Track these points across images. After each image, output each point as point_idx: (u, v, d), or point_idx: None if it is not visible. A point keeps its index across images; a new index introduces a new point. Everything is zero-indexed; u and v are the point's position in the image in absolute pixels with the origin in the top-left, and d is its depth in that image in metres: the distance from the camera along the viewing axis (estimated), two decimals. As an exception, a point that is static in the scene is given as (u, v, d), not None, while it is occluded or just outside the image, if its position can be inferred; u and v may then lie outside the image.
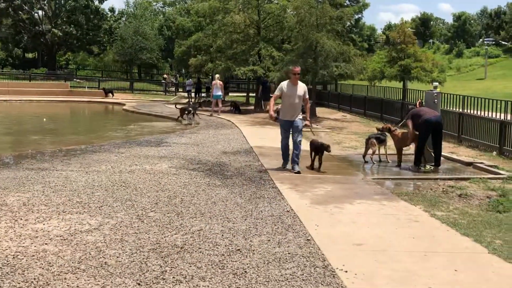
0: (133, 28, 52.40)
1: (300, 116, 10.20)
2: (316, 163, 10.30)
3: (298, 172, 9.69)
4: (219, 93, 24.52)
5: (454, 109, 17.11)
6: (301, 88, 10.14)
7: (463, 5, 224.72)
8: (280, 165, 10.50)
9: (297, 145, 10.01)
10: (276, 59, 25.91)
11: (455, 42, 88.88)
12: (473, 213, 7.20)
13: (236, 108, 25.47)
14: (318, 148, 10.23)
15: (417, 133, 10.71)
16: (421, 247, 5.65)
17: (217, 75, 25.62)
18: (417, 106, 12.07)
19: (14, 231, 5.80)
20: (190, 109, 20.78)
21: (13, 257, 4.99)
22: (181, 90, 45.13)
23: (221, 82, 25.03)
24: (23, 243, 5.41)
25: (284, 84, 10.20)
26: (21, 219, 6.27)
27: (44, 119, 23.10)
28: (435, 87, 11.85)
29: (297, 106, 10.11)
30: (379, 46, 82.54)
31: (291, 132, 10.22)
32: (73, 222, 6.21)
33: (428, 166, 10.74)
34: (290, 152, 10.23)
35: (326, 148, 10.14)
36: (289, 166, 10.15)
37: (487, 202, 7.90)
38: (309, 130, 11.10)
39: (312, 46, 22.57)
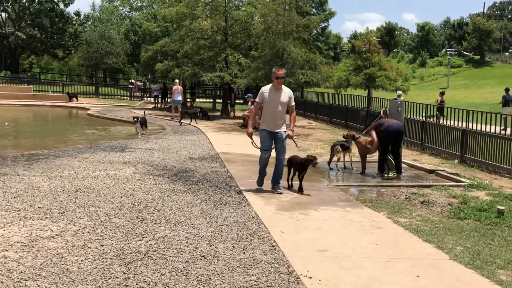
0: (98, 32, 51.76)
1: (284, 127, 8.82)
2: (292, 181, 9.02)
3: (281, 194, 8.54)
4: (179, 98, 25.01)
5: (418, 117, 17.40)
6: (286, 93, 8.73)
7: (426, 15, 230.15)
8: (247, 172, 10.49)
9: (280, 162, 8.74)
10: (243, 65, 25.98)
11: (419, 51, 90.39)
12: (435, 220, 7.32)
13: (203, 114, 25.37)
14: (300, 166, 8.77)
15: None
16: (384, 253, 5.71)
17: (176, 80, 25.89)
18: (382, 114, 12.26)
19: (-27, 237, 5.65)
20: (137, 119, 18.90)
21: (-29, 264, 4.86)
22: (147, 95, 44.79)
23: (181, 87, 25.27)
24: (-18, 249, 5.28)
25: (265, 89, 8.76)
26: (-20, 225, 6.12)
27: (6, 123, 22.61)
28: (399, 96, 12.04)
29: (281, 114, 8.72)
30: (345, 55, 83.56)
31: (272, 146, 8.79)
32: (35, 228, 6.08)
33: (391, 173, 10.89)
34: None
35: (312, 161, 8.66)
36: (265, 186, 8.87)
37: (448, 209, 8.05)
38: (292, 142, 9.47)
39: (279, 53, 22.71)
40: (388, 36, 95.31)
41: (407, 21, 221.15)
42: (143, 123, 18.69)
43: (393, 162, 10.86)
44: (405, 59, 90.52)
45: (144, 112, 21.08)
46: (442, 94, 27.81)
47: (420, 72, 79.93)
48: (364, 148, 11.37)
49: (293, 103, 8.90)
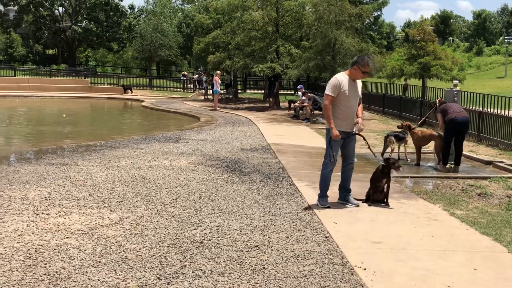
0: (152, 25, 52.62)
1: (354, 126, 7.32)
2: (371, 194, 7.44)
3: (358, 206, 7.24)
4: (218, 88, 26.15)
5: (474, 107, 16.96)
6: (359, 84, 7.27)
7: (483, 2, 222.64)
8: (298, 163, 10.48)
9: (351, 168, 7.35)
10: (294, 56, 25.89)
11: (475, 40, 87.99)
12: (493, 212, 7.15)
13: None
14: (388, 173, 7.33)
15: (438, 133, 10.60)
16: (440, 245, 5.62)
17: (218, 72, 26.53)
18: (437, 104, 11.99)
19: (36, 225, 5.88)
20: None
21: (35, 250, 5.06)
22: (198, 86, 45.15)
23: (216, 78, 26.21)
24: (45, 236, 5.49)
25: (342, 80, 7.00)
26: (43, 213, 6.36)
27: (64, 115, 23.32)
28: (455, 85, 11.77)
29: (355, 110, 7.24)
30: (398, 44, 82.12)
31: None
32: (94, 216, 6.28)
33: (448, 165, 10.67)
34: None
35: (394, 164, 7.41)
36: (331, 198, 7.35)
37: (507, 201, 7.83)
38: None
39: (331, 43, 22.51)
40: (443, 24, 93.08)
41: (462, 9, 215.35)
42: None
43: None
44: (461, 48, 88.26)
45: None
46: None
47: (477, 61, 77.76)
48: (420, 139, 11.17)
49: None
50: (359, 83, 7.24)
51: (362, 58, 7.11)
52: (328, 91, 7.04)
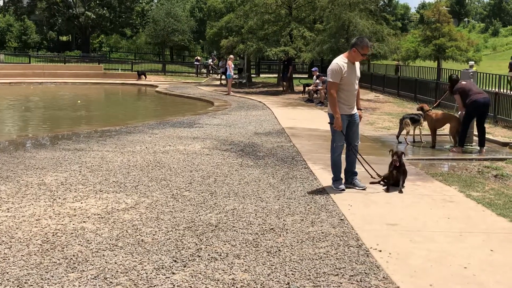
0: (165, 10, 52.45)
1: (356, 108, 7.24)
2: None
3: (365, 189, 7.19)
4: (230, 72, 26.18)
5: (490, 88, 16.78)
6: (358, 66, 7.18)
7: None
8: (313, 146, 10.46)
9: (356, 149, 7.31)
10: (307, 39, 25.73)
11: (491, 20, 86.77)
12: (509, 194, 7.09)
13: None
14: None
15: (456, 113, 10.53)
16: (456, 227, 5.60)
17: (231, 56, 26.39)
18: (448, 80, 11.87)
19: (53, 209, 5.94)
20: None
21: (53, 235, 5.12)
22: (211, 71, 45.05)
23: (230, 63, 26.16)
24: (62, 221, 5.54)
25: (341, 63, 6.90)
26: (60, 198, 6.42)
27: (79, 101, 23.45)
28: (471, 66, 11.64)
29: (356, 92, 7.16)
30: (413, 26, 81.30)
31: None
32: (110, 201, 6.33)
33: (470, 146, 10.63)
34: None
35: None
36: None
37: (524, 182, 7.77)
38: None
39: (345, 26, 22.32)
40: (458, 5, 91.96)
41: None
42: None
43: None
44: (477, 29, 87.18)
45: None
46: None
47: (493, 41, 76.79)
48: (435, 121, 11.08)
49: None
50: (357, 64, 7.13)
51: (361, 40, 6.96)
52: (330, 78, 6.93)
